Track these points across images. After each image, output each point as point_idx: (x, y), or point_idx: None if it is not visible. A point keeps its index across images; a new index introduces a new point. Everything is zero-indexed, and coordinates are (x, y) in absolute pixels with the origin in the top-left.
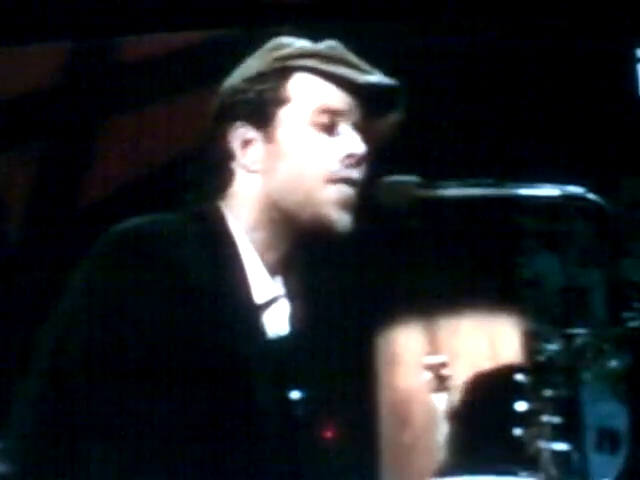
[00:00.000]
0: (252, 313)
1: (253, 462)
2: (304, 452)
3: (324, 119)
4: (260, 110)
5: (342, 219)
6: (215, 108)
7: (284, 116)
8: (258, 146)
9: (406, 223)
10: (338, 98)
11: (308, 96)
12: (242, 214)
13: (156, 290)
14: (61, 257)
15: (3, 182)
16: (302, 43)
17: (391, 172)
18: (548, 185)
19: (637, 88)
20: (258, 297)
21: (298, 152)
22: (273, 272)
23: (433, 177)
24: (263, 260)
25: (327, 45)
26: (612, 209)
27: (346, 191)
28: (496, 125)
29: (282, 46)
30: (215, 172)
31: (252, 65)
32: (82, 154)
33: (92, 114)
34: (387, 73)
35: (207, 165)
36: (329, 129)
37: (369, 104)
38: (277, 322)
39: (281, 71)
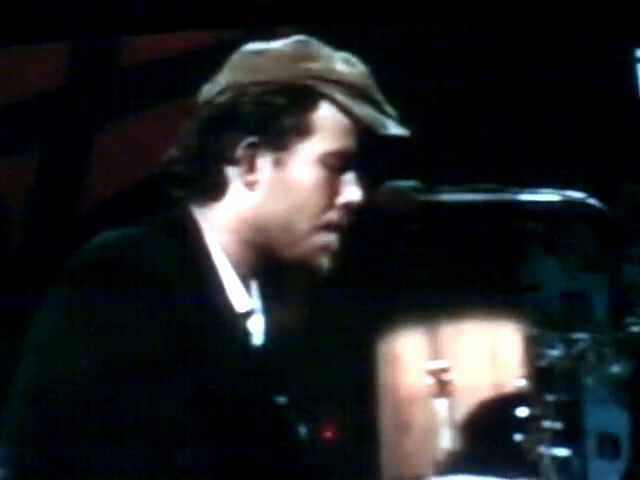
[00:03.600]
0: (235, 322)
1: (247, 466)
2: (299, 456)
3: (336, 162)
4: (279, 133)
5: (324, 265)
6: (219, 104)
7: (302, 148)
8: (266, 168)
9: (406, 228)
10: (355, 144)
11: (331, 135)
12: (220, 225)
13: (137, 308)
14: (61, 258)
15: (3, 183)
16: (333, 60)
17: (391, 177)
18: (548, 190)
19: (637, 89)
20: (238, 307)
21: (303, 190)
22: (247, 283)
23: (433, 182)
24: (236, 271)
25: (359, 71)
26: (612, 213)
27: (334, 238)
28: (496, 129)
29: (312, 57)
30: (211, 174)
31: (269, 69)
32: (82, 155)
33: (92, 114)
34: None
35: (204, 163)
36: (336, 172)
37: (377, 149)
38: (259, 330)
39: (308, 91)
